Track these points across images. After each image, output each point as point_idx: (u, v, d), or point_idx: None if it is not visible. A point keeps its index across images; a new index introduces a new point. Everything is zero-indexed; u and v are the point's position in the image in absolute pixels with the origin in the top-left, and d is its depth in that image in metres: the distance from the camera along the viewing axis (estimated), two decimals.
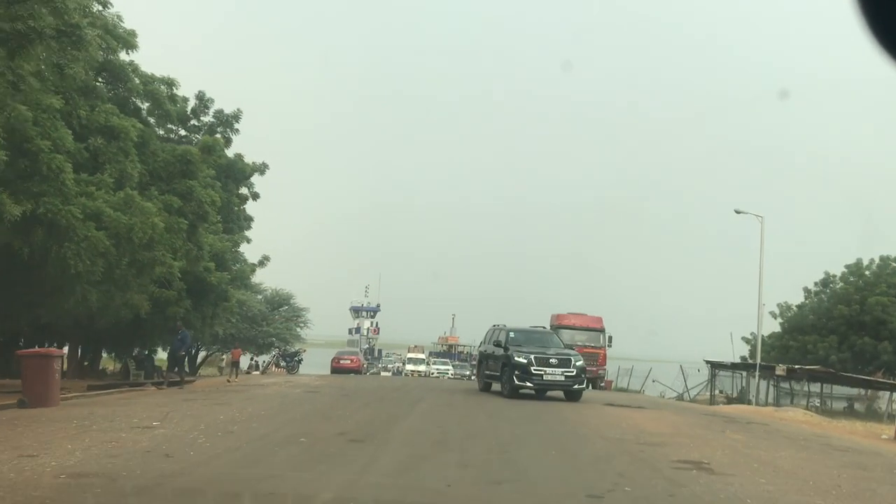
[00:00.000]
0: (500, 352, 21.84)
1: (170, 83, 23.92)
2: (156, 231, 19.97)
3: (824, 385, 37.26)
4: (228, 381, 26.49)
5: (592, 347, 38.20)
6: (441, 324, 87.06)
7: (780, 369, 31.50)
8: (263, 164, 38.18)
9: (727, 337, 60.78)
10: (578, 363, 20.95)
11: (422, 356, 67.08)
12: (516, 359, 20.51)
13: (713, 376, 38.18)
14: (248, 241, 42.68)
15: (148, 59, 23.88)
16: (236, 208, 39.82)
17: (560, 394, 21.48)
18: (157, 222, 20.04)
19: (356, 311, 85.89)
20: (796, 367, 33.50)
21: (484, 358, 24.53)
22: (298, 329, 66.40)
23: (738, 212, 38.84)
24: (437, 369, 56.98)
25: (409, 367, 65.51)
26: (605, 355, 38.41)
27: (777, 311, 55.90)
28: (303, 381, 25.23)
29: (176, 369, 25.00)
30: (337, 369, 45.36)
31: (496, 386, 22.89)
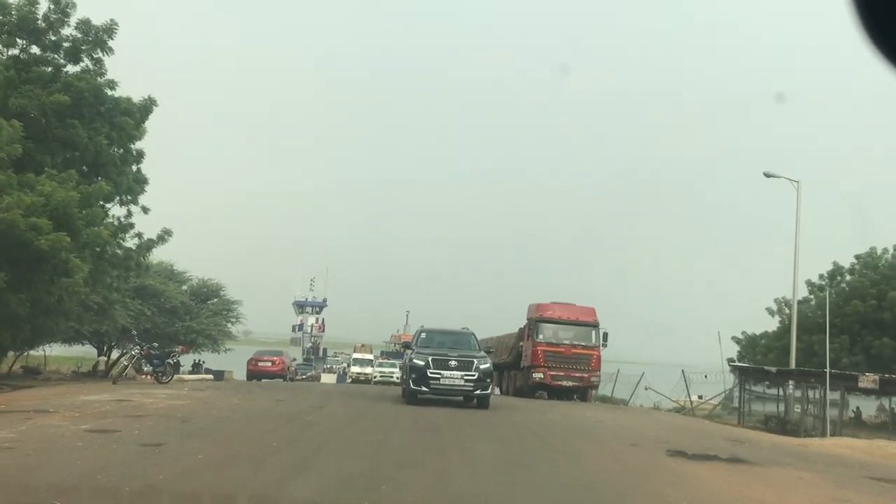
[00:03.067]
0: (408, 354, 19.54)
1: None
2: None
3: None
4: None
5: (582, 347, 27.72)
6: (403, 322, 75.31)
7: (869, 380, 21.23)
8: (149, 99, 26.95)
9: (713, 337, 51.43)
10: (483, 367, 18.25)
11: (369, 356, 55.83)
12: (414, 361, 18.26)
13: (741, 385, 27.81)
14: (145, 210, 31.31)
15: None
16: (124, 164, 28.78)
17: (564, 437, 13.21)
18: None
19: (300, 307, 74.12)
20: None
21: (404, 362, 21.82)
22: (229, 325, 55.04)
23: (768, 175, 28.84)
24: (381, 372, 45.78)
25: (355, 368, 54.61)
26: (598, 358, 27.96)
27: (775, 308, 46.72)
28: (145, 401, 14.20)
29: None
30: (254, 373, 34.09)
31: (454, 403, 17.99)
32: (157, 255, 54.79)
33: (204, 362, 55.60)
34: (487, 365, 18.50)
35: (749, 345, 48.93)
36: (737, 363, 29.79)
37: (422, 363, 17.94)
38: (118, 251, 30.88)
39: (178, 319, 49.89)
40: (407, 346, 20.91)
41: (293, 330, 74.32)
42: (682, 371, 36.28)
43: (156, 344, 23.91)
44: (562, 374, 27.37)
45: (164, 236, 32.50)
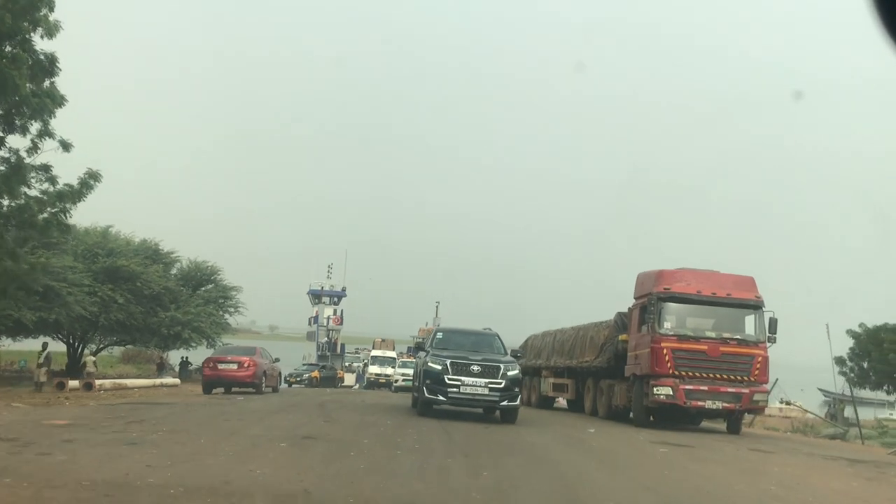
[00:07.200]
0: (422, 357, 15.69)
1: None
2: None
3: None
4: None
5: (737, 343, 15.42)
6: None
7: None
8: None
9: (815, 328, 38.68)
10: (510, 373, 14.38)
11: (391, 354, 43.58)
12: (429, 365, 14.52)
13: None
14: (65, 146, 20.05)
15: None
16: (14, 65, 17.87)
17: None
18: None
19: (316, 296, 61.98)
20: None
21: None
22: (226, 315, 43.18)
23: None
24: (405, 375, 33.50)
25: (373, 369, 42.62)
26: (765, 360, 15.51)
27: None
28: None
29: None
30: (212, 380, 21.73)
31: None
32: (144, 233, 43.52)
33: (185, 359, 44.19)
34: (516, 371, 14.75)
35: (869, 339, 36.33)
36: None
37: (438, 368, 14.41)
38: (17, 201, 19.91)
39: (161, 308, 38.20)
40: (420, 347, 17.48)
41: (309, 323, 62.25)
42: (846, 381, 23.85)
43: None
44: (704, 388, 15.09)
45: (88, 181, 20.73)
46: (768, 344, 15.57)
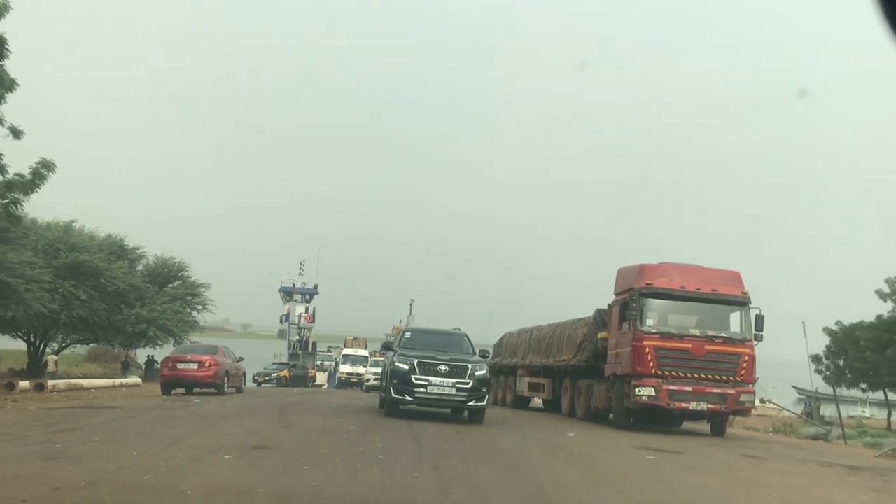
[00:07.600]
0: (389, 356, 15.49)
1: None
2: None
3: None
4: None
5: (723, 341, 14.64)
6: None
7: None
8: None
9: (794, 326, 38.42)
10: (478, 373, 14.08)
11: (363, 353, 42.40)
12: (396, 364, 14.23)
13: None
14: (15, 133, 18.73)
15: None
16: None
17: None
18: None
19: (287, 294, 60.59)
20: None
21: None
22: (194, 313, 41.71)
23: None
24: (376, 374, 32.31)
25: (344, 368, 41.45)
26: (752, 359, 14.75)
27: (886, 290, 33.91)
28: None
29: None
30: (170, 381, 20.49)
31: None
32: (115, 227, 41.89)
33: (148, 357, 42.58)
34: (483, 371, 14.33)
35: (846, 337, 35.85)
36: None
37: (405, 367, 13.99)
38: None
39: (126, 306, 36.67)
40: (388, 346, 17.05)
41: (280, 321, 60.81)
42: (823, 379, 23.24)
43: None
44: (689, 388, 14.27)
45: (40, 171, 19.41)
46: (755, 342, 14.84)
